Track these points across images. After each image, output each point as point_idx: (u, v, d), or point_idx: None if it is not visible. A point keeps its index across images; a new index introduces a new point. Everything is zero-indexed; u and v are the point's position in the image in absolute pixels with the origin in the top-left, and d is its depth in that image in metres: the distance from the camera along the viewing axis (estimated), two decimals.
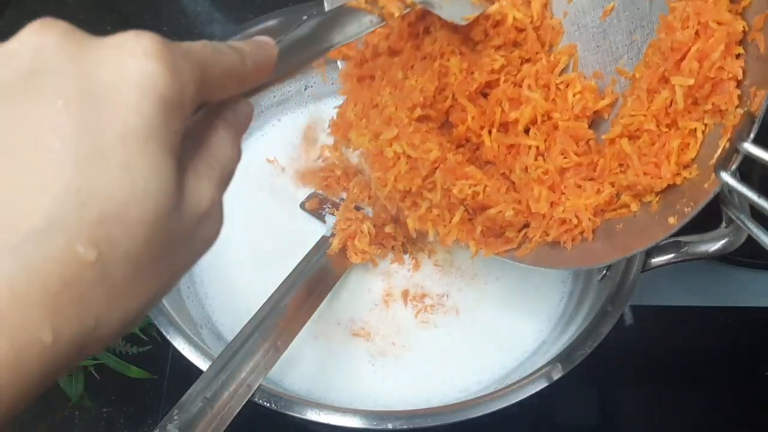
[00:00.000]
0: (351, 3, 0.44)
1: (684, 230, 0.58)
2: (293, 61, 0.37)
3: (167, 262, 0.26)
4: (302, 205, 0.70)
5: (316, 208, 0.70)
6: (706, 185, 0.44)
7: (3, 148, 0.22)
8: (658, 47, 0.48)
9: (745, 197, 0.41)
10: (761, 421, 0.67)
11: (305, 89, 0.77)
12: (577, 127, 0.51)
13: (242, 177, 0.71)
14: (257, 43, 0.33)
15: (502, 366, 0.60)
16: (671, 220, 0.46)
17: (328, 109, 0.75)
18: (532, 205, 0.51)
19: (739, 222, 0.46)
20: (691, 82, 0.44)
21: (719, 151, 0.43)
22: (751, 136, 0.41)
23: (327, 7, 0.58)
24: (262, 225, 0.69)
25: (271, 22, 0.71)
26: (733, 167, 0.42)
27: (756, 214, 0.44)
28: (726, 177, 0.41)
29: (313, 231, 0.66)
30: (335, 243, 0.63)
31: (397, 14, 0.45)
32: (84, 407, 0.66)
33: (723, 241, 0.56)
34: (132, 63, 0.24)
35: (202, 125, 0.30)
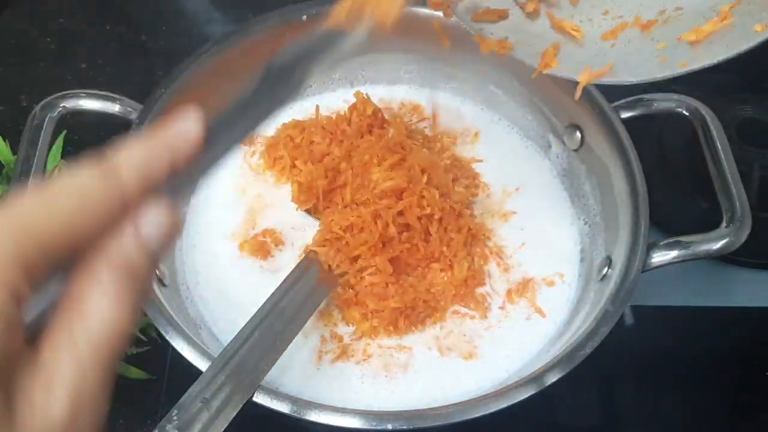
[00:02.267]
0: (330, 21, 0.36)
1: (684, 230, 0.58)
2: (243, 125, 0.29)
3: None
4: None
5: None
6: None
7: None
8: None
9: None
10: (761, 421, 0.67)
11: (305, 88, 0.77)
12: None
13: (241, 176, 0.71)
14: (151, 143, 0.24)
15: (506, 369, 0.60)
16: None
17: (328, 106, 0.75)
18: None
19: None
20: None
21: None
22: None
23: None
24: (260, 225, 0.69)
25: (271, 22, 0.71)
26: None
27: None
28: None
29: (312, 231, 0.66)
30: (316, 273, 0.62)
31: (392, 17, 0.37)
32: None
33: (724, 241, 0.56)
34: None
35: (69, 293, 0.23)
